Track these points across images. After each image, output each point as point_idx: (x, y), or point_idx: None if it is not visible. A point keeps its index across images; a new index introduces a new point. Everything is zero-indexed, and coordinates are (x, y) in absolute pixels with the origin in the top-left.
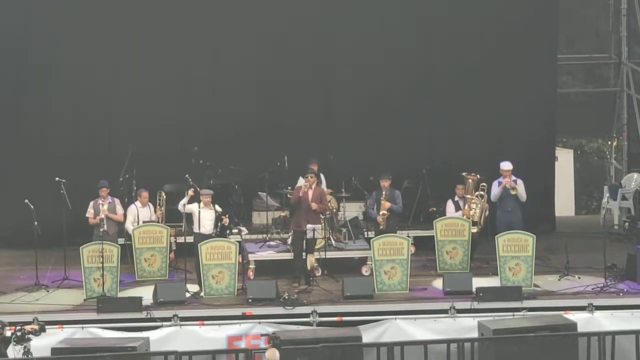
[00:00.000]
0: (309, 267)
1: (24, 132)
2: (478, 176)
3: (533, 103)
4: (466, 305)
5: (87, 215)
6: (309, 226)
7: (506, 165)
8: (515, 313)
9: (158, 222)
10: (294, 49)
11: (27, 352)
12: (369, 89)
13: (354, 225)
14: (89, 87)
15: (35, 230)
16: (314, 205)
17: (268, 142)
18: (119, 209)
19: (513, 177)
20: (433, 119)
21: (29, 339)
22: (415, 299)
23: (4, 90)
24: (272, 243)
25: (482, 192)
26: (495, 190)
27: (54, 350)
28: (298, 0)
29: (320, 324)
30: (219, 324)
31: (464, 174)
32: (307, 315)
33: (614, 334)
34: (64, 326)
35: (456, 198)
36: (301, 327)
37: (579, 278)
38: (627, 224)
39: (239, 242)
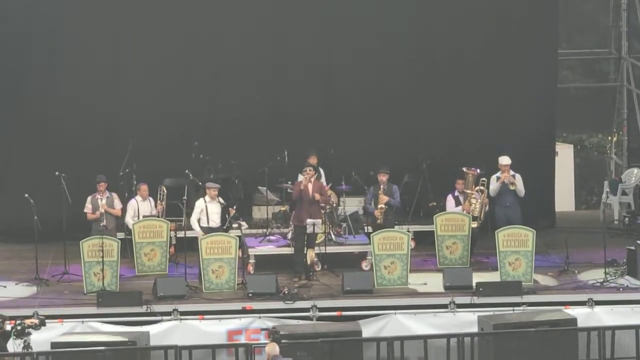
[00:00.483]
0: (309, 262)
1: (24, 126)
2: (478, 171)
3: (533, 98)
4: (466, 300)
5: (85, 210)
6: (309, 221)
7: (505, 160)
8: (515, 308)
9: (159, 217)
10: (294, 44)
11: (27, 346)
12: (370, 83)
13: (354, 220)
14: (89, 82)
15: (35, 225)
16: (316, 196)
17: (268, 137)
18: (117, 203)
19: (512, 172)
20: (433, 114)
21: (29, 333)
22: (414, 293)
23: (4, 84)
24: (272, 237)
25: (482, 187)
26: (494, 185)
27: (54, 345)
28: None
29: (320, 318)
30: (219, 319)
31: (464, 169)
32: (307, 310)
33: (613, 329)
34: (64, 320)
35: (456, 193)
36: (301, 322)
37: (578, 273)
38: (627, 219)
39: (239, 236)
